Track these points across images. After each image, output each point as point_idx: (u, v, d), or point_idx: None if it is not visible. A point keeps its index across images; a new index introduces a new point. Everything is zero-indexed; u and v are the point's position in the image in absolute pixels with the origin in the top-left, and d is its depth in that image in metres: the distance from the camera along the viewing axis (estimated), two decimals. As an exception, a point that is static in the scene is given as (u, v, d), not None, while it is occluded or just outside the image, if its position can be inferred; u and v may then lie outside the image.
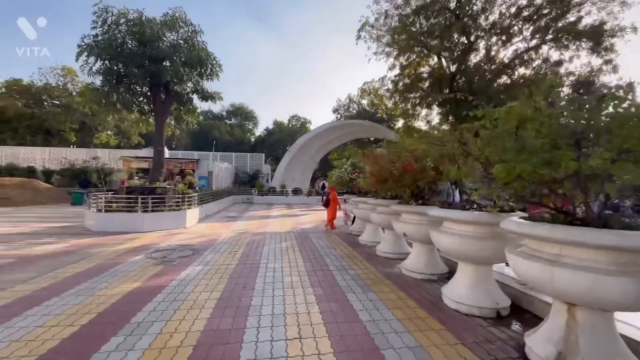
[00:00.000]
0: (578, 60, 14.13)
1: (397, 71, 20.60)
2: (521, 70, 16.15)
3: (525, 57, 15.90)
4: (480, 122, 2.58)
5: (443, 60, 18.17)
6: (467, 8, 15.42)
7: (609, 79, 14.98)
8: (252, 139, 56.17)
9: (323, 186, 26.33)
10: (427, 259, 4.53)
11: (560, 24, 14.44)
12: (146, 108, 10.42)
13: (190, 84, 10.45)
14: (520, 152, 2.16)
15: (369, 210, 6.40)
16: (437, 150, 3.37)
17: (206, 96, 10.83)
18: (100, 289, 3.77)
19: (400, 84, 20.43)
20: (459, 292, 3.36)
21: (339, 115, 40.29)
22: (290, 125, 52.36)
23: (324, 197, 8.68)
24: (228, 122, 59.18)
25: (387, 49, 20.55)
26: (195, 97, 10.91)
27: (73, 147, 27.91)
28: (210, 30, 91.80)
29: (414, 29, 17.72)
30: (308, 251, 6.12)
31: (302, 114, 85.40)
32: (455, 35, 16.42)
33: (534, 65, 15.92)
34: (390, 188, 4.71)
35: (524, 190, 2.45)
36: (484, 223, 3.11)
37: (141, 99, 10.13)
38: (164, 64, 9.00)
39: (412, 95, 20.19)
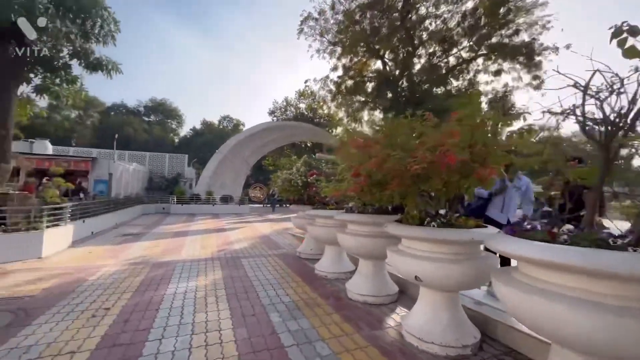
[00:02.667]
0: (514, 73, 14.82)
1: (340, 72, 19.52)
2: (460, 81, 16.43)
3: (463, 67, 16.24)
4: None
5: (388, 63, 17.64)
6: (413, 11, 15.03)
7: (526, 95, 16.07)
8: (176, 140, 49.85)
9: (273, 193, 23.95)
10: (450, 321, 2.70)
11: (494, 40, 14.99)
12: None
13: (67, 44, 7.12)
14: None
15: (333, 229, 4.41)
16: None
17: (93, 64, 7.58)
18: None
19: (343, 85, 19.36)
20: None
21: (275, 118, 38.03)
22: (222, 127, 47.97)
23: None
24: (146, 119, 51.60)
25: (329, 48, 19.36)
26: (75, 63, 7.55)
27: None
28: (133, 21, 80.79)
29: (358, 28, 16.80)
30: (241, 298, 3.80)
31: (236, 115, 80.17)
32: (400, 38, 15.93)
33: (469, 76, 16.35)
34: (386, 197, 2.80)
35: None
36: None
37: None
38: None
39: (355, 99, 19.25)
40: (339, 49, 19.17)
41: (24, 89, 7.20)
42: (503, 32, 14.45)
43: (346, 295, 3.88)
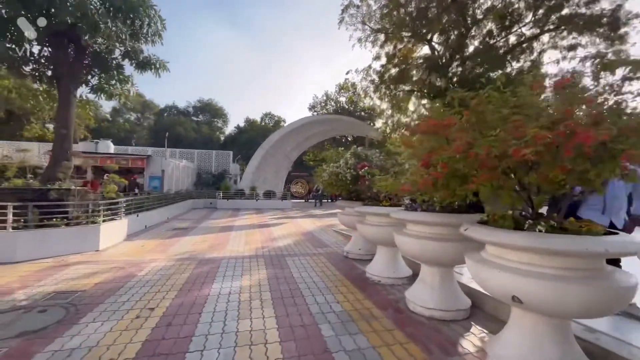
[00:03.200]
0: (592, 47, 12.62)
1: (382, 61, 18.52)
2: (520, 62, 14.54)
3: (525, 47, 14.33)
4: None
5: (436, 48, 16.28)
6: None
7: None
8: (222, 138, 52.15)
9: (317, 189, 24.04)
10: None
11: (565, 11, 12.94)
12: (49, 74, 7.14)
13: (118, 44, 7.38)
14: None
15: (388, 228, 3.86)
16: None
17: (143, 63, 7.80)
18: None
19: (387, 75, 18.34)
20: None
21: (315, 113, 37.86)
22: (263, 124, 49.08)
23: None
24: (195, 119, 54.71)
25: (372, 36, 18.44)
26: (127, 63, 7.84)
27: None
28: (178, 25, 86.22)
29: (403, 12, 15.68)
30: (288, 304, 3.44)
31: (276, 112, 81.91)
32: (451, 19, 14.50)
33: (532, 57, 14.39)
34: (465, 192, 2.21)
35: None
36: None
37: (37, 56, 6.86)
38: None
39: (400, 88, 18.14)
40: (381, 37, 18.19)
41: (82, 90, 7.63)
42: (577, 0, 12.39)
43: (407, 307, 3.34)
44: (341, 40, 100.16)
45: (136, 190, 11.00)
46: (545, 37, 14.33)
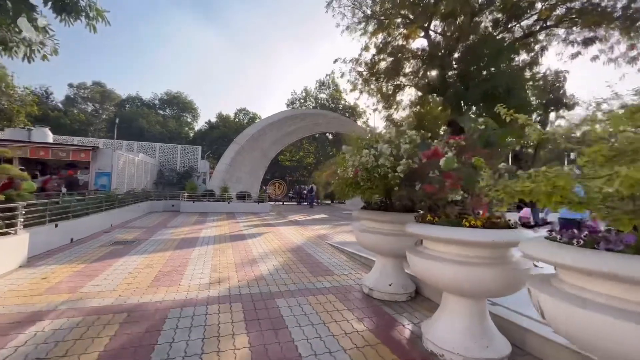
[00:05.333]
0: (601, 44, 11.70)
1: (372, 52, 16.88)
2: (525, 55, 13.50)
3: (530, 40, 13.29)
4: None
5: (433, 37, 14.88)
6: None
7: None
8: (191, 134, 48.31)
9: (312, 189, 22.12)
10: None
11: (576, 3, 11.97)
12: None
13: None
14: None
15: (484, 268, 1.96)
16: None
17: (65, 3, 5.34)
18: None
19: (376, 67, 16.72)
20: None
21: (294, 110, 35.74)
22: (237, 120, 45.97)
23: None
24: (161, 112, 50.37)
25: (362, 25, 16.74)
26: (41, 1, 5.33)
27: None
28: (149, 14, 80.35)
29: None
30: None
31: (252, 108, 78.17)
32: (449, 4, 13.12)
33: (538, 46, 13.41)
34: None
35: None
36: None
37: None
38: None
39: (391, 82, 16.59)
40: (372, 25, 16.54)
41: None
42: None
43: None
44: (322, 34, 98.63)
45: (63, 190, 8.32)
46: (559, 31, 13.35)
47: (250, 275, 4.60)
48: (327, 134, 34.49)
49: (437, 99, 14.22)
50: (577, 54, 12.36)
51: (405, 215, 3.34)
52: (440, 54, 13.85)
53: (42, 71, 66.81)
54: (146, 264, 5.10)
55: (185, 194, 15.12)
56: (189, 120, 52.76)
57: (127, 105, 48.64)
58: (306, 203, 22.37)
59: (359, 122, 32.16)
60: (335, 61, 17.28)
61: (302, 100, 36.13)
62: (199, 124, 51.71)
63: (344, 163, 3.13)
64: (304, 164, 37.45)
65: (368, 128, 21.19)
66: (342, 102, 34.81)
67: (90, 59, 73.78)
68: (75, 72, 73.25)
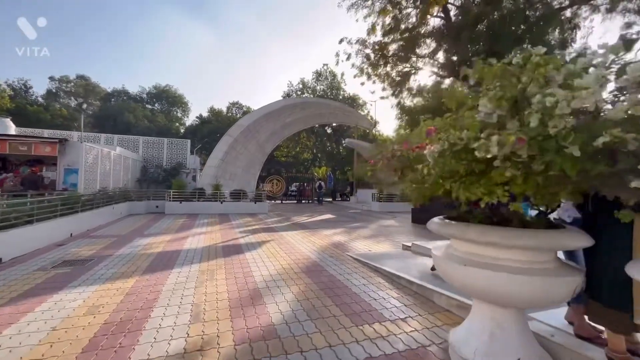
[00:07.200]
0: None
1: (379, 33, 15.06)
2: (561, 33, 11.86)
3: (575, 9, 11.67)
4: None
5: (452, 12, 13.13)
6: None
7: None
8: (182, 130, 45.92)
9: (320, 186, 21.18)
10: None
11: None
12: None
13: None
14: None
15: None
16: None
17: None
18: None
19: (385, 50, 14.92)
20: None
21: (290, 102, 33.81)
22: (230, 114, 43.75)
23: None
24: (150, 106, 47.82)
25: (368, 2, 14.92)
26: None
27: None
28: (137, 8, 77.01)
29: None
30: None
31: (246, 102, 75.36)
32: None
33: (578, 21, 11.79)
34: None
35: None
36: None
37: None
38: None
39: (402, 65, 14.82)
40: (378, 2, 14.72)
41: None
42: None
43: None
44: (317, 26, 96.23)
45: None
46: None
47: (255, 331, 2.80)
48: (326, 128, 32.70)
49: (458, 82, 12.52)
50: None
51: (551, 233, 1.65)
52: (464, 31, 12.09)
53: (24, 64, 63.56)
54: (90, 304, 3.28)
55: (171, 194, 13.19)
56: (179, 115, 50.36)
57: (112, 99, 46.02)
58: (315, 199, 21.68)
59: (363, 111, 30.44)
60: (341, 41, 15.40)
61: (299, 92, 34.18)
62: (190, 119, 49.35)
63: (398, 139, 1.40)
64: (301, 159, 35.60)
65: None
66: (342, 92, 32.95)
67: (73, 52, 70.46)
68: (58, 66, 69.92)
